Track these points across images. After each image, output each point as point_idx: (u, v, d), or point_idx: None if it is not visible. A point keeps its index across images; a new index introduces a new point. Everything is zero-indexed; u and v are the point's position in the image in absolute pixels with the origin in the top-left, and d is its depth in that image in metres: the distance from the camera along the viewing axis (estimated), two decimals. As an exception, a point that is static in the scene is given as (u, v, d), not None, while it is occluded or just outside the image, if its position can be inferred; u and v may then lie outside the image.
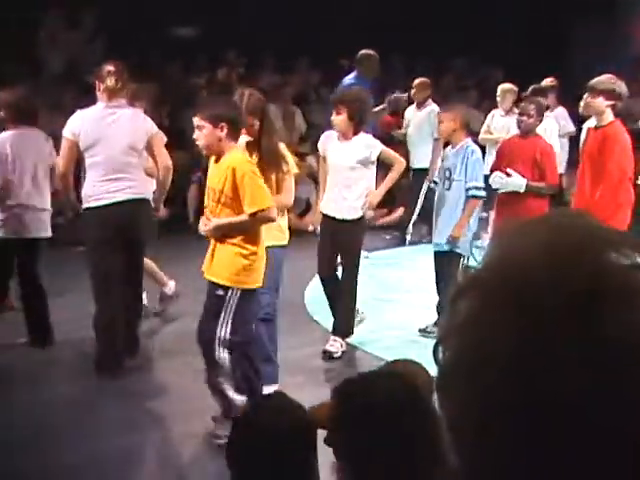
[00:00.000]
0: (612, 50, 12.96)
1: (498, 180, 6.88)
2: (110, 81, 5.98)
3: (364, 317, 6.97)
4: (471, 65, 14.84)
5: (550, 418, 0.74)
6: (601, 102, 6.27)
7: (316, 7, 13.24)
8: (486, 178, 6.89)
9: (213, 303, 4.92)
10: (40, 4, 12.19)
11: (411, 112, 10.26)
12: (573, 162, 8.09)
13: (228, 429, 4.73)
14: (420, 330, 6.80)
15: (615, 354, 0.73)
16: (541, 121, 7.30)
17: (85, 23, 12.92)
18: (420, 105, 10.16)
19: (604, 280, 0.75)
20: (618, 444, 0.73)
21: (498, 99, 9.95)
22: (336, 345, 6.49)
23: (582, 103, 6.56)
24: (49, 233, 6.55)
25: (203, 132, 4.81)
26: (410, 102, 10.47)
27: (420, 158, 9.76)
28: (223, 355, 4.88)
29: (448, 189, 6.61)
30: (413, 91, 10.20)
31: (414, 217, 9.93)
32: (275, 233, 5.46)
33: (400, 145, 9.66)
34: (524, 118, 7.08)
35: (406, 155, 9.02)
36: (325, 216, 6.63)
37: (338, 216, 6.51)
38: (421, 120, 10.02)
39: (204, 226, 4.92)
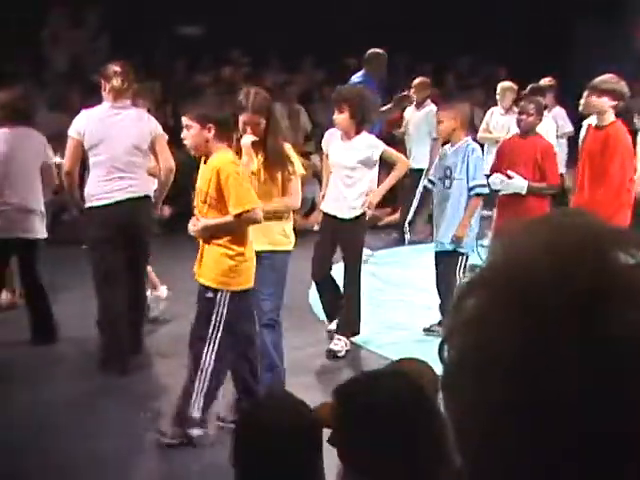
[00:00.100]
0: (612, 50, 12.91)
1: (499, 182, 6.83)
2: (116, 81, 5.98)
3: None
4: (474, 64, 14.82)
5: (553, 418, 0.74)
6: (605, 102, 6.26)
7: (316, 7, 13.23)
8: (486, 178, 6.84)
9: (204, 306, 4.86)
10: (44, 2, 12.20)
11: (410, 112, 10.24)
12: (573, 161, 8.06)
13: (176, 432, 4.76)
14: (425, 329, 6.77)
15: (618, 353, 0.73)
16: (541, 120, 7.27)
17: (89, 21, 12.93)
18: (419, 105, 10.13)
19: (607, 279, 0.76)
20: (619, 444, 0.73)
21: (498, 97, 9.94)
22: (340, 344, 6.45)
23: (582, 101, 6.54)
24: (42, 234, 6.48)
25: (191, 132, 4.77)
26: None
27: (418, 159, 9.71)
28: (209, 360, 4.80)
29: (449, 188, 6.53)
30: (412, 91, 10.16)
31: (409, 216, 9.91)
32: (278, 237, 5.39)
33: (400, 144, 9.65)
34: (524, 117, 7.05)
35: (405, 155, 8.99)
36: (325, 214, 6.60)
37: (339, 215, 6.48)
38: (419, 120, 10.00)
39: (193, 227, 4.90)
